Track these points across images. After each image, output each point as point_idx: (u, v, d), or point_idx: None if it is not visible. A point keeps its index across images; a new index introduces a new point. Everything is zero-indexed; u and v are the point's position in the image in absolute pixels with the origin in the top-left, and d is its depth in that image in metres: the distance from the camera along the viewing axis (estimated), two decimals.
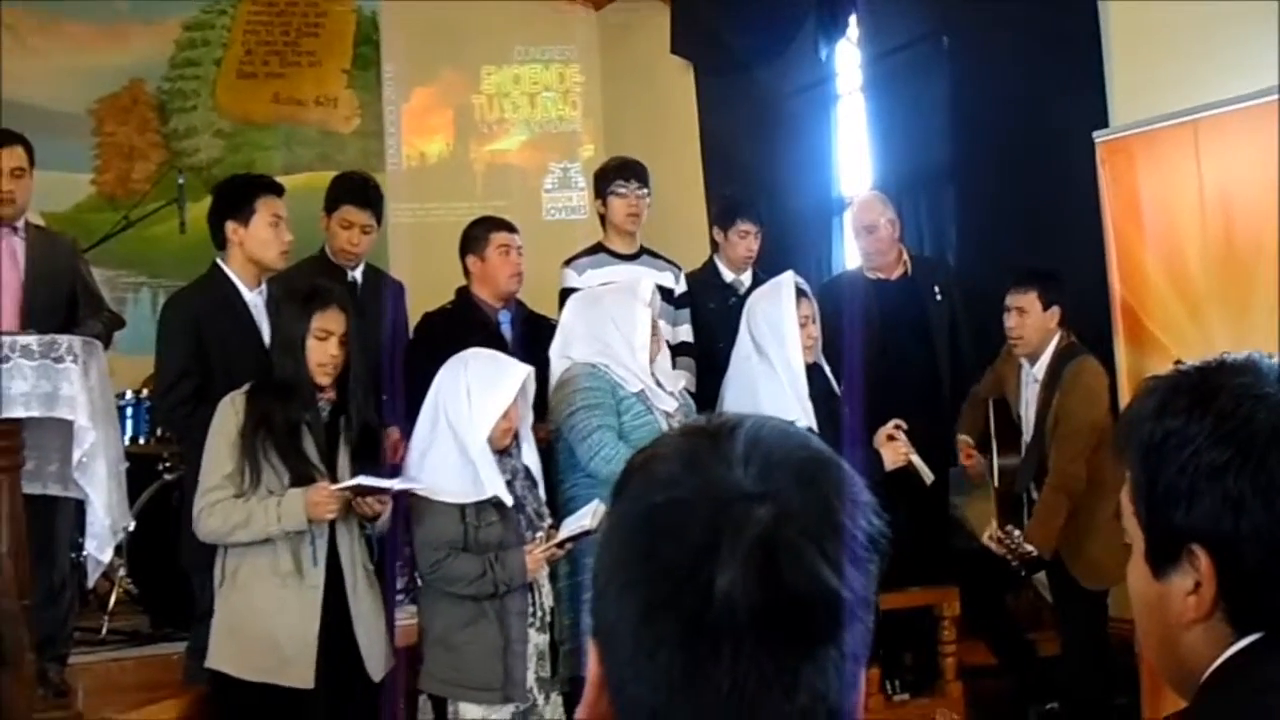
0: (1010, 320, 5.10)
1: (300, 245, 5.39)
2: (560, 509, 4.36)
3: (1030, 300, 5.04)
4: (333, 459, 4.03)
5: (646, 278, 4.92)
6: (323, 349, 4.01)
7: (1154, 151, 5.03)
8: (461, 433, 4.09)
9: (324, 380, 4.04)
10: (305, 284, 4.42)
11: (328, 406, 4.09)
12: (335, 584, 3.99)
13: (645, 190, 5.58)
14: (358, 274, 5.34)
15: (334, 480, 3.96)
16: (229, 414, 3.96)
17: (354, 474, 3.99)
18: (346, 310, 4.10)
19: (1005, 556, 4.83)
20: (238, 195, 4.70)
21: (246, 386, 4.03)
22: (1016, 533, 4.79)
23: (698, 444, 1.00)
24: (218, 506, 3.89)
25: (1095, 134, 5.27)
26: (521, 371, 4.18)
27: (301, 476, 3.92)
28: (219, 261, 4.70)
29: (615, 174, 5.61)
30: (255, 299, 4.58)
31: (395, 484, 4.04)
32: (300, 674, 3.89)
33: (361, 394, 4.16)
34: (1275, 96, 4.48)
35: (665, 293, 5.43)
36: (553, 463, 4.49)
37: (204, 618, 4.16)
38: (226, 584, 3.97)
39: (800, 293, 4.72)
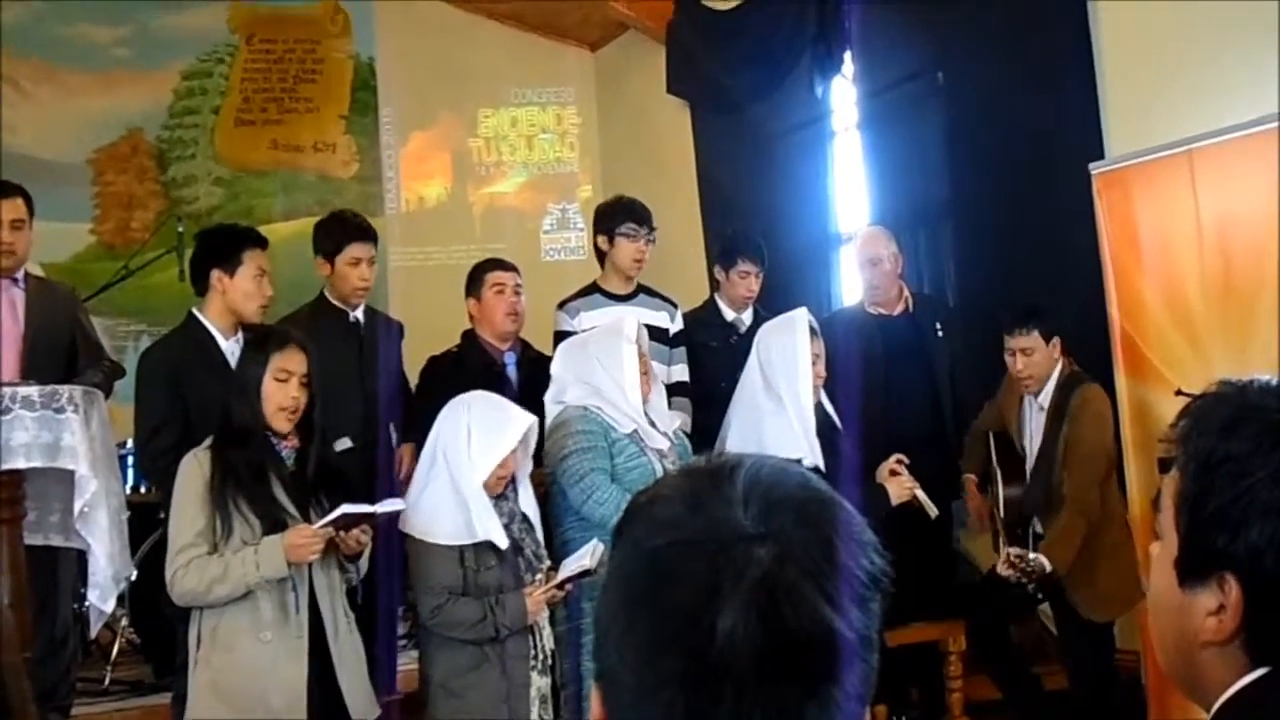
0: (1017, 363, 5.06)
1: (300, 290, 5.43)
2: (556, 552, 4.32)
3: (1034, 340, 5.02)
4: (305, 507, 3.93)
5: (630, 317, 4.90)
6: (283, 391, 3.92)
7: (1150, 182, 5.04)
8: (457, 474, 4.06)
9: (284, 426, 3.94)
10: (263, 329, 4.40)
11: (292, 454, 4.00)
12: (315, 632, 3.90)
13: (653, 235, 5.58)
14: (359, 314, 5.32)
15: None
16: (194, 470, 3.87)
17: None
18: (308, 351, 4.02)
19: (1020, 580, 4.78)
20: (226, 244, 4.73)
21: (208, 441, 3.94)
22: (1031, 555, 4.76)
23: (698, 485, 1.00)
24: (193, 565, 3.77)
25: (1091, 166, 5.28)
26: (524, 421, 4.15)
27: (275, 525, 3.82)
28: (195, 311, 4.71)
29: (625, 215, 5.57)
30: (232, 348, 4.58)
31: (380, 508, 3.94)
32: None
33: (321, 436, 4.07)
34: (1272, 125, 4.48)
35: (660, 332, 5.42)
36: (550, 507, 4.46)
37: (185, 666, 4.11)
38: (206, 644, 3.85)
39: (811, 330, 4.71)
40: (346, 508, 3.81)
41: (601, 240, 5.61)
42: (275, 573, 3.77)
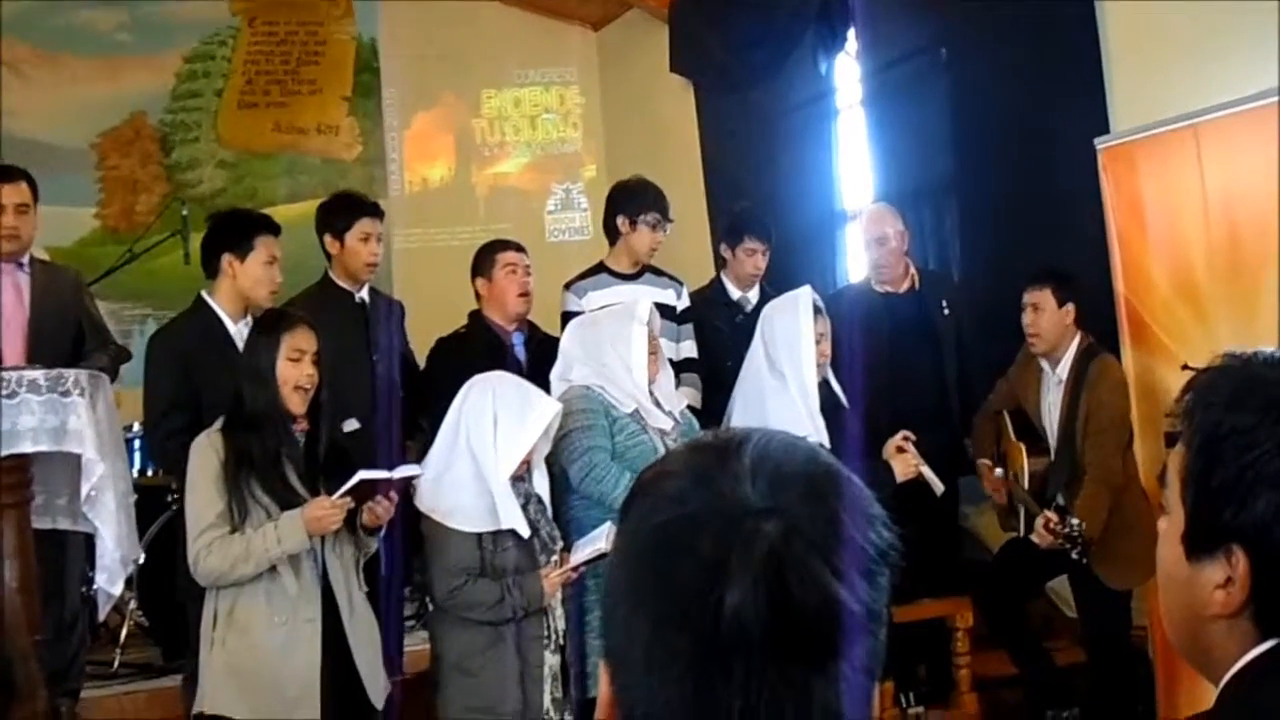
0: (1026, 317, 5.13)
1: (303, 272, 5.42)
2: (563, 531, 4.33)
3: (1044, 296, 5.08)
4: (315, 489, 3.94)
5: (644, 298, 4.89)
6: (298, 370, 3.93)
7: (1155, 156, 5.02)
8: (483, 462, 4.06)
9: (299, 406, 3.94)
10: (270, 312, 4.40)
11: (302, 437, 4.01)
12: (329, 613, 3.93)
13: (671, 223, 5.57)
14: (364, 295, 5.32)
15: None
16: (209, 453, 3.87)
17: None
18: (317, 330, 4.03)
19: (1062, 545, 4.76)
20: (238, 229, 4.74)
21: (219, 424, 3.94)
22: (1075, 520, 4.74)
23: (705, 460, 0.99)
24: (215, 545, 3.78)
25: (1096, 140, 5.26)
26: (550, 410, 4.15)
27: (289, 509, 3.82)
28: (204, 294, 4.72)
29: (652, 204, 5.53)
30: (240, 331, 4.58)
31: (398, 473, 3.96)
32: (307, 711, 3.84)
33: (330, 417, 4.10)
34: (1275, 98, 4.46)
35: (668, 309, 5.41)
36: (554, 486, 4.46)
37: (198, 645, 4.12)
38: (221, 625, 3.86)
39: (815, 309, 4.70)
40: (364, 474, 3.82)
41: (622, 221, 5.55)
42: (297, 546, 3.79)
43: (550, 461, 4.41)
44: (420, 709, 4.33)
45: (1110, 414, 4.96)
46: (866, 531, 0.96)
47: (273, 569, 3.83)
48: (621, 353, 4.44)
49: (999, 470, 5.32)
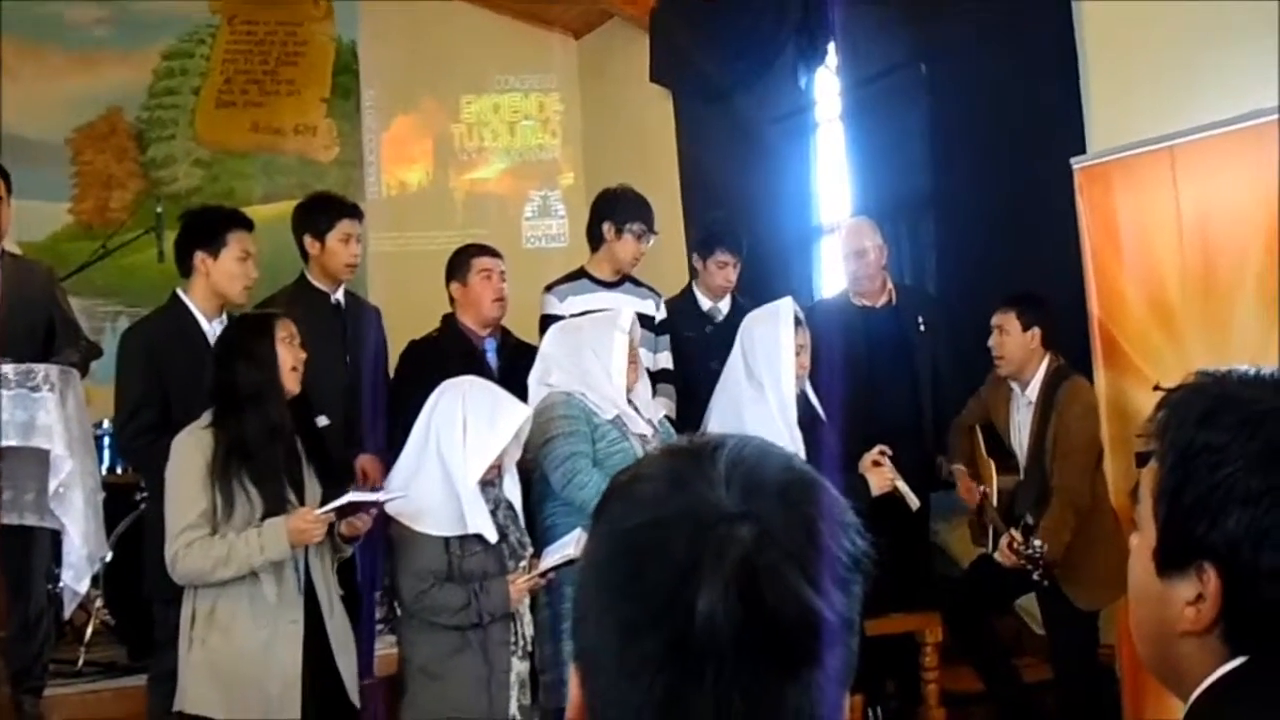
0: (993, 339, 5.18)
1: (279, 273, 5.40)
2: (539, 538, 4.32)
3: (1009, 320, 5.12)
4: (299, 481, 3.97)
5: (627, 306, 4.89)
6: (292, 353, 3.98)
7: (1131, 177, 5.04)
8: (451, 466, 4.05)
9: (294, 387, 3.98)
10: (253, 314, 4.43)
11: None
12: (310, 614, 3.94)
13: (655, 235, 5.58)
14: (340, 296, 5.31)
15: (303, 504, 3.91)
16: (193, 450, 3.84)
17: (323, 494, 3.92)
18: (296, 320, 4.10)
19: (1024, 566, 4.79)
20: (210, 226, 4.71)
21: (206, 419, 3.92)
22: (1037, 541, 4.77)
23: (680, 464, 0.99)
24: (196, 545, 3.75)
25: (1073, 160, 5.28)
26: (520, 415, 4.14)
27: (275, 501, 3.84)
28: (179, 292, 4.69)
29: (638, 215, 5.54)
30: (215, 330, 4.56)
31: (383, 496, 3.98)
32: (288, 711, 3.83)
33: (309, 410, 4.17)
34: (1253, 122, 4.49)
35: (646, 319, 5.41)
36: (531, 491, 4.45)
37: (167, 645, 4.09)
38: (201, 624, 3.85)
39: (796, 320, 4.71)
40: (353, 495, 3.86)
41: (608, 228, 5.54)
42: (279, 555, 3.79)
43: (528, 468, 4.40)
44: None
45: (1078, 438, 4.98)
46: (840, 538, 0.96)
47: (254, 572, 3.83)
48: (603, 359, 4.44)
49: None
